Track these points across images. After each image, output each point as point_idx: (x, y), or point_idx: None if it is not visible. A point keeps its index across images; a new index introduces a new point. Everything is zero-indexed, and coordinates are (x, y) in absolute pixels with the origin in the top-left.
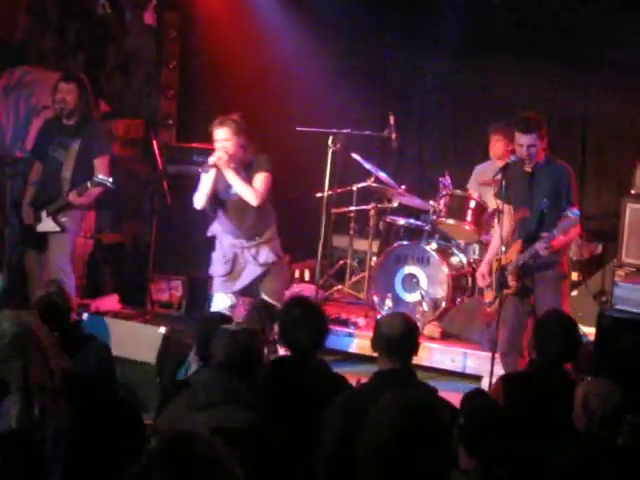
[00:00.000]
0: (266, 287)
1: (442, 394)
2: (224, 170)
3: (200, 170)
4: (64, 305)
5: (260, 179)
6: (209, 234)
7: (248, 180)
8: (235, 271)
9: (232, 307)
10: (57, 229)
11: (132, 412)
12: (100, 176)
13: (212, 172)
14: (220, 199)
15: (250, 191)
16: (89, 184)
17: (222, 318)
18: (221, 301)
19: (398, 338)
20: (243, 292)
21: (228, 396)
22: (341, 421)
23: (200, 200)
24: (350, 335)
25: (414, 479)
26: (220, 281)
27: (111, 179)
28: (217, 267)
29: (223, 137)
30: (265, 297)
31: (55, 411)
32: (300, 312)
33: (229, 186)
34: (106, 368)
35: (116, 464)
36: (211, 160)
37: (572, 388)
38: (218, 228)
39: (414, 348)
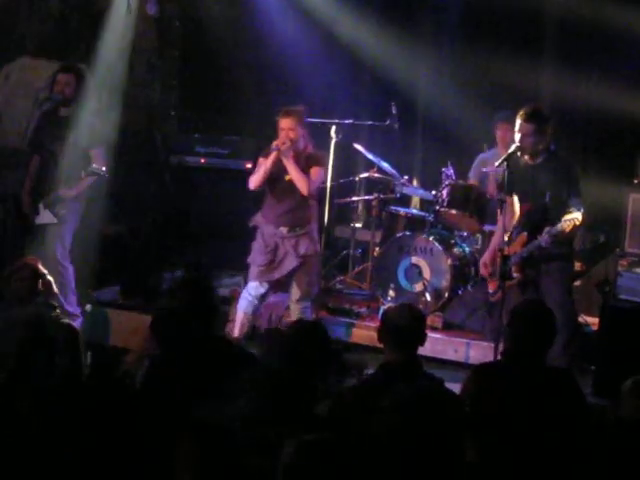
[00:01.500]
0: (299, 280)
1: (446, 385)
2: (283, 156)
3: (262, 156)
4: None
5: (316, 172)
6: (251, 224)
7: (304, 171)
8: (275, 261)
9: (264, 296)
10: (54, 221)
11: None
12: (94, 165)
13: (273, 155)
14: (272, 181)
15: (304, 180)
16: (83, 173)
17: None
18: (254, 289)
19: (407, 329)
20: (276, 282)
21: None
22: (349, 411)
23: (256, 181)
24: (352, 325)
25: (426, 469)
26: (259, 270)
27: (104, 168)
28: (258, 256)
29: (287, 126)
30: (295, 290)
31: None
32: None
33: (284, 172)
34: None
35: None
36: (275, 143)
37: (545, 378)
38: (260, 219)
39: (422, 339)
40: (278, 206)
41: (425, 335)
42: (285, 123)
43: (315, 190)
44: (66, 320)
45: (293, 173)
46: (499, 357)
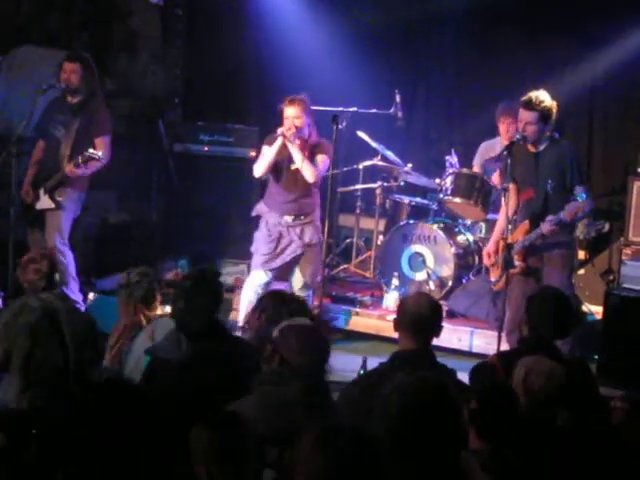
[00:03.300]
0: (303, 268)
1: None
2: (289, 143)
3: (266, 143)
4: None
5: (321, 160)
6: (254, 214)
7: (310, 159)
8: (278, 249)
9: (267, 284)
10: (52, 206)
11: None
12: (91, 150)
13: (278, 142)
14: (278, 170)
15: (310, 168)
16: (80, 158)
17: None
18: (258, 278)
19: (426, 318)
20: (279, 270)
21: None
22: (359, 399)
23: (260, 168)
24: (356, 313)
25: (424, 458)
26: (262, 259)
27: (101, 153)
28: (261, 245)
29: (293, 114)
30: (298, 277)
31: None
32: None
33: (290, 160)
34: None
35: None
36: (280, 130)
37: (563, 366)
38: (264, 208)
39: (438, 329)
40: (283, 195)
41: (441, 326)
42: (290, 111)
43: (320, 178)
44: (83, 310)
45: (299, 160)
46: (505, 346)
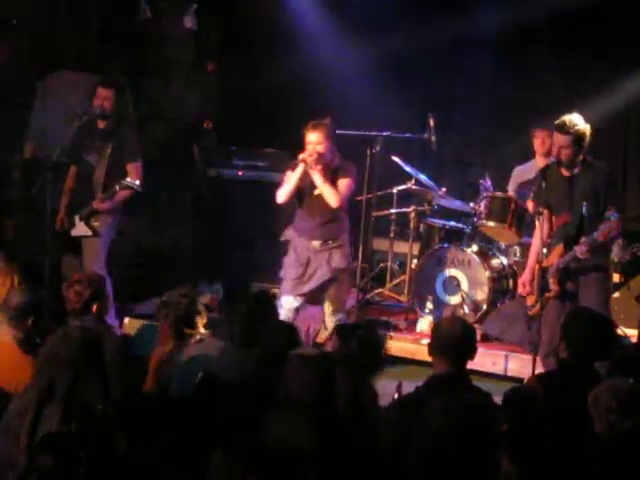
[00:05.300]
0: (332, 293)
1: None
2: (311, 169)
3: (289, 169)
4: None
5: (344, 184)
6: (282, 239)
7: (333, 183)
8: (306, 274)
9: (298, 309)
10: (89, 233)
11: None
12: (128, 179)
13: (300, 168)
14: (302, 196)
15: (333, 193)
16: (117, 187)
17: None
18: (288, 303)
19: (459, 342)
20: (309, 294)
21: None
22: (398, 421)
23: (283, 194)
24: (390, 338)
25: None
26: (291, 284)
27: (138, 182)
28: (290, 270)
29: (315, 140)
30: (327, 303)
31: (94, 432)
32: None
33: (313, 186)
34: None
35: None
36: (301, 156)
37: None
38: (292, 233)
39: (473, 353)
40: (309, 220)
41: (476, 349)
42: (312, 137)
43: (345, 202)
44: (117, 333)
45: (321, 186)
46: (540, 369)
